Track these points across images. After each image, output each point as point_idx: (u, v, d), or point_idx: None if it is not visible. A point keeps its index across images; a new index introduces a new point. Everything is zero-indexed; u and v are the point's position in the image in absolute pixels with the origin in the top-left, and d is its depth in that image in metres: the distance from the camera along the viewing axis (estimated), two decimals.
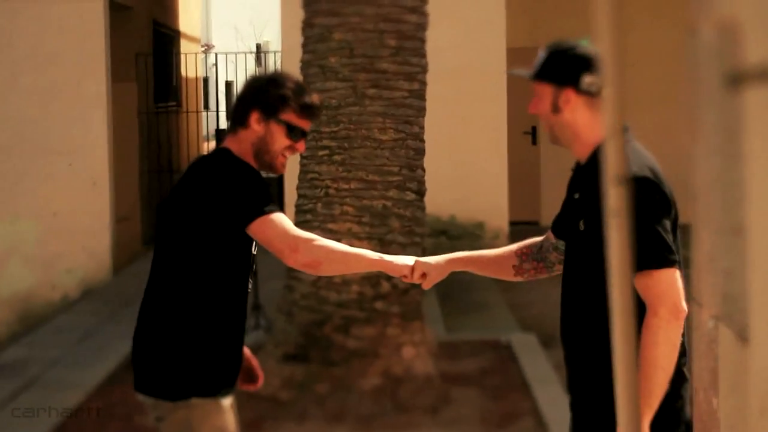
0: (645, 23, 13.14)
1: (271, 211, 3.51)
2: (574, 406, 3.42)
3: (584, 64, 3.24)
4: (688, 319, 2.75)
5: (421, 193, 7.27)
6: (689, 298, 2.19)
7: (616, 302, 1.84)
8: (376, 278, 7.00)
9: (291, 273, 7.23)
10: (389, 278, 6.98)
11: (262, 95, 3.67)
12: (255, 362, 4.04)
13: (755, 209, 1.81)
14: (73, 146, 11.08)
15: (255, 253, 3.72)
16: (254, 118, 3.66)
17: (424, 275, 3.60)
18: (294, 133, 3.67)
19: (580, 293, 3.31)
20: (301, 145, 3.73)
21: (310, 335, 7.14)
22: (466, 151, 11.69)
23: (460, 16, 11.49)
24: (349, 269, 4.07)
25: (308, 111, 3.70)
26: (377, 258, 3.63)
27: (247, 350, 3.97)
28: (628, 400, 1.83)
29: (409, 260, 3.63)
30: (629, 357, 1.83)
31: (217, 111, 17.90)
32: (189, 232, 3.61)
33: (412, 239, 7.15)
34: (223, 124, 20.93)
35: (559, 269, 3.64)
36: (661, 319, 3.03)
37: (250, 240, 3.62)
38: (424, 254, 7.45)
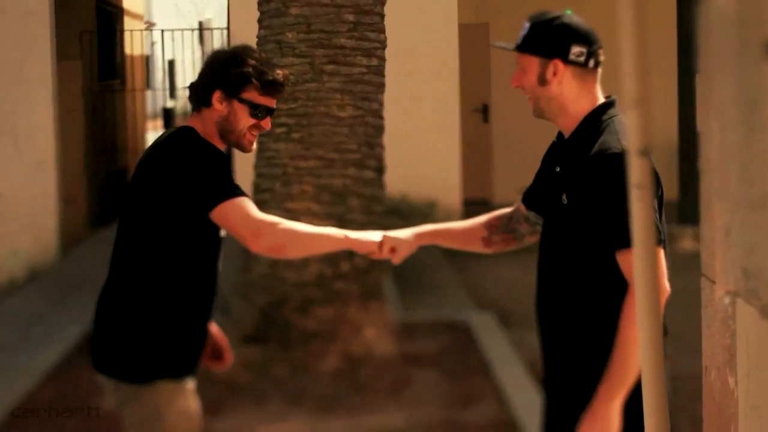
0: None
1: (234, 196, 3.42)
2: (548, 382, 3.36)
3: (571, 34, 3.18)
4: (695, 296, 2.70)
5: (380, 170, 7.19)
6: (698, 274, 2.11)
7: (638, 276, 1.78)
8: (335, 258, 6.91)
9: (248, 253, 7.11)
10: (349, 258, 6.90)
11: (223, 74, 3.57)
12: (224, 341, 3.96)
13: None
14: (18, 126, 10.86)
15: (224, 235, 3.62)
16: (216, 97, 3.57)
17: (393, 250, 3.55)
18: (258, 111, 3.58)
19: (561, 266, 3.25)
20: (266, 123, 3.64)
21: (269, 316, 7.05)
22: (418, 129, 11.62)
23: None
24: (314, 250, 3.98)
25: (271, 88, 3.60)
26: (342, 237, 3.57)
27: (215, 328, 3.89)
28: (652, 376, 1.77)
29: (375, 236, 3.58)
30: (655, 337, 1.76)
31: (168, 89, 17.67)
32: (154, 213, 3.52)
33: (371, 218, 7.06)
34: (167, 102, 20.69)
35: (529, 240, 3.59)
36: None
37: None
38: None
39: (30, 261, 10.83)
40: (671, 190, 11.62)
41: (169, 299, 3.56)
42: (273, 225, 3.45)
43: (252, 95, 3.56)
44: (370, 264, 7.05)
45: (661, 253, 3.00)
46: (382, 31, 7.13)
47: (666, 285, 2.99)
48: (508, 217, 3.58)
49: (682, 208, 11.39)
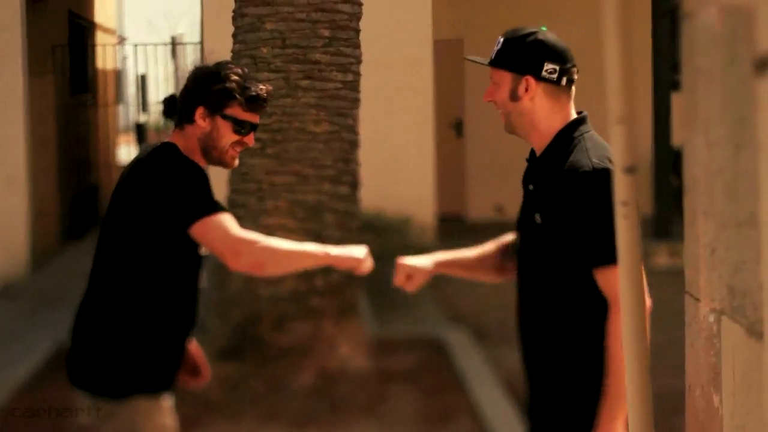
0: (570, 13, 13.18)
1: (213, 212, 3.39)
2: (532, 404, 3.34)
3: (544, 51, 3.18)
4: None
5: (354, 186, 7.17)
6: (674, 290, 2.10)
7: (624, 292, 1.77)
8: (310, 274, 6.87)
9: (223, 269, 7.07)
10: (324, 274, 6.86)
11: (205, 90, 3.55)
12: (201, 357, 3.93)
13: None
14: None
15: (205, 253, 3.58)
16: (199, 113, 3.55)
17: (409, 277, 3.51)
18: (242, 127, 3.56)
19: (538, 288, 3.24)
20: (250, 139, 3.62)
21: (244, 332, 7.00)
22: (392, 144, 11.61)
23: (386, 7, 11.39)
24: (294, 267, 3.94)
25: (255, 104, 3.58)
26: (323, 253, 3.56)
27: (193, 344, 3.85)
28: (639, 397, 1.76)
29: (357, 251, 3.54)
30: (640, 351, 1.75)
31: (140, 104, 17.59)
32: (134, 229, 3.50)
33: (346, 234, 7.03)
34: (137, 117, 20.60)
35: None
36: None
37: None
38: None
39: (2, 275, 10.74)
40: (646, 206, 11.67)
41: (149, 315, 3.54)
42: (253, 243, 3.42)
43: (235, 111, 3.54)
44: (345, 280, 7.02)
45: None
46: (358, 46, 7.11)
47: (648, 301, 2.99)
48: (512, 244, 3.54)
49: (657, 224, 11.43)
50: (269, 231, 6.23)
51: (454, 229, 12.55)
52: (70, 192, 13.00)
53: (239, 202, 6.99)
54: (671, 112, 11.51)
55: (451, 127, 13.86)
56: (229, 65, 3.67)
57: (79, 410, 3.65)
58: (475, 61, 3.35)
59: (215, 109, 3.53)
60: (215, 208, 3.41)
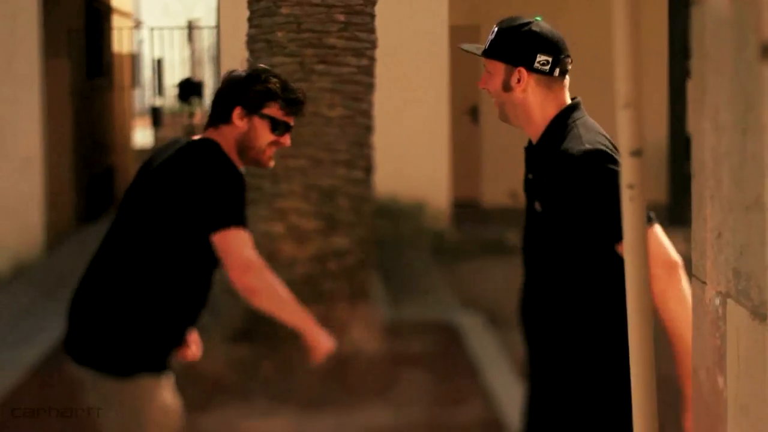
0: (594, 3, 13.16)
1: (236, 226, 3.45)
2: (533, 390, 3.37)
3: (537, 42, 3.18)
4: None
5: (369, 171, 7.19)
6: (689, 275, 2.13)
7: (630, 272, 1.79)
8: (323, 257, 6.91)
9: None
10: (337, 257, 6.89)
11: (244, 91, 3.62)
12: (194, 336, 3.97)
13: None
14: (4, 123, 10.82)
15: None
16: (237, 114, 3.61)
17: None
18: (278, 127, 3.60)
19: (540, 275, 3.27)
20: (286, 139, 3.69)
21: (256, 315, 7.01)
22: (407, 130, 11.62)
23: None
24: (278, 313, 3.94)
25: (293, 106, 3.65)
26: (307, 320, 3.69)
27: None
28: (643, 375, 1.78)
29: (328, 340, 3.71)
30: (645, 333, 1.77)
31: (156, 88, 17.62)
32: (159, 216, 3.55)
33: (360, 218, 7.06)
34: (154, 101, 20.65)
35: None
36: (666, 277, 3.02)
37: None
38: (371, 233, 7.39)
39: (16, 257, 10.80)
40: (661, 193, 11.65)
41: (160, 296, 3.58)
42: (262, 270, 3.48)
43: (273, 111, 3.61)
44: (357, 264, 7.05)
45: (657, 228, 3.03)
46: (373, 31, 7.13)
47: (675, 257, 3.04)
48: None
49: (673, 211, 11.41)
50: (283, 214, 6.29)
51: (468, 214, 12.57)
52: (86, 175, 13.05)
53: (254, 185, 7.02)
54: (686, 99, 11.49)
55: (467, 113, 13.85)
56: (267, 69, 3.79)
57: (86, 390, 3.69)
58: (469, 51, 3.36)
59: (254, 109, 3.59)
60: (242, 222, 3.47)
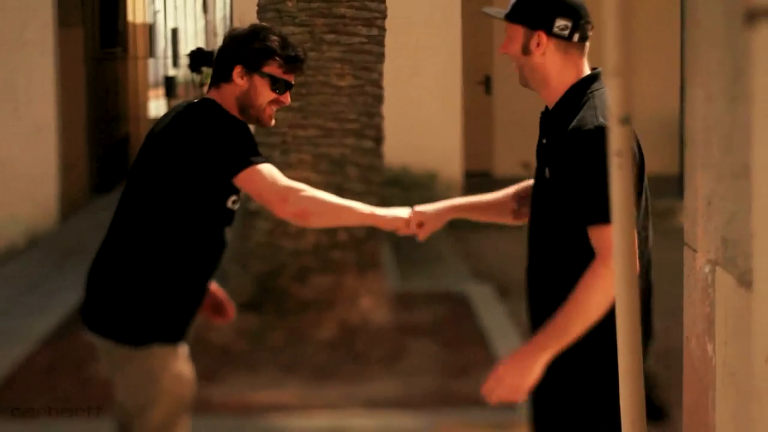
0: None
1: (260, 162, 3.47)
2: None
3: (557, 7, 3.19)
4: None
5: (378, 140, 7.19)
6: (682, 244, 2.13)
7: (617, 243, 1.79)
8: (332, 227, 6.91)
9: (246, 222, 7.12)
10: (346, 228, 6.90)
11: (244, 49, 3.62)
12: (223, 295, 4.00)
13: (761, 151, 1.75)
14: (18, 93, 10.85)
15: (235, 209, 3.63)
16: (237, 72, 3.61)
17: (420, 224, 3.54)
18: (278, 85, 3.62)
19: (545, 239, 3.27)
20: (286, 98, 3.69)
21: (265, 285, 7.06)
22: (420, 100, 11.60)
23: None
24: (338, 222, 4.01)
25: (293, 63, 3.66)
26: (368, 212, 3.58)
27: (214, 285, 3.91)
28: (630, 346, 1.78)
29: (402, 212, 3.55)
30: (631, 302, 1.77)
31: (171, 58, 17.61)
32: (168, 179, 3.55)
33: (370, 188, 7.07)
34: (170, 71, 20.65)
35: None
36: (608, 270, 2.93)
37: (229, 194, 3.54)
38: (381, 203, 7.38)
39: (30, 227, 10.85)
40: (672, 165, 11.61)
41: (173, 265, 3.59)
42: (300, 191, 3.48)
43: (273, 69, 3.61)
44: (367, 233, 7.06)
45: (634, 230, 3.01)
46: (383, 1, 7.11)
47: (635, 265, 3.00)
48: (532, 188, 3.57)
49: (682, 183, 11.34)
50: None
51: (481, 184, 12.54)
52: (100, 145, 13.08)
53: (263, 155, 7.01)
54: None
55: (480, 84, 13.82)
56: (267, 27, 3.78)
57: (94, 359, 3.72)
58: (490, 15, 3.38)
59: (254, 67, 3.59)
60: (261, 158, 3.48)
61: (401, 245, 9.50)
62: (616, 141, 1.77)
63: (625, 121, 1.75)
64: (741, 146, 1.82)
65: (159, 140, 3.61)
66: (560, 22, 3.18)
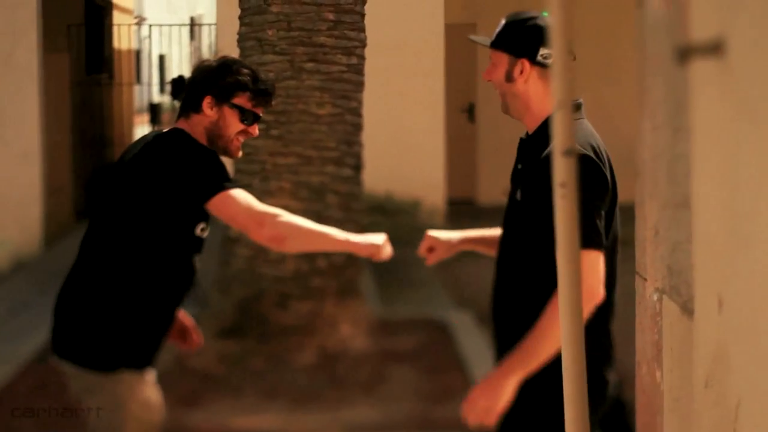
0: (586, 1, 13.19)
1: (232, 187, 3.49)
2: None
3: (541, 36, 3.26)
4: (633, 295, 2.75)
5: (358, 168, 7.24)
6: (633, 272, 2.18)
7: (562, 273, 1.83)
8: (312, 254, 6.96)
9: (226, 248, 7.17)
10: (326, 255, 6.95)
11: (215, 80, 3.67)
12: (191, 323, 4.03)
13: (700, 182, 1.81)
14: (3, 117, 10.87)
15: (204, 236, 3.67)
16: (207, 102, 3.65)
17: (431, 249, 3.58)
18: (247, 116, 3.66)
19: (514, 264, 3.31)
20: (254, 129, 3.72)
21: (246, 310, 7.10)
22: (404, 127, 11.67)
23: None
24: (314, 247, 4.04)
25: (262, 96, 3.70)
26: (343, 238, 3.62)
27: (182, 313, 3.94)
28: (575, 372, 1.83)
29: (376, 239, 3.60)
30: (576, 329, 1.82)
31: (159, 84, 17.65)
32: (138, 206, 3.58)
33: (349, 215, 7.12)
34: (156, 97, 20.71)
35: None
36: None
37: (198, 221, 3.58)
38: (361, 231, 7.43)
39: (15, 251, 10.86)
40: None
41: (142, 292, 3.61)
42: (275, 216, 3.51)
43: (242, 101, 3.65)
44: (346, 261, 7.11)
45: (600, 257, 3.04)
46: (362, 30, 7.18)
47: (600, 290, 3.03)
48: None
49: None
50: None
51: (464, 212, 12.61)
52: (85, 170, 13.11)
53: (243, 182, 7.06)
54: None
55: (464, 111, 13.90)
56: (237, 60, 3.83)
57: (69, 384, 3.74)
58: (476, 42, 3.46)
59: (223, 98, 3.64)
60: (234, 183, 3.52)
61: (383, 272, 9.54)
62: (561, 172, 1.82)
63: (569, 152, 1.81)
64: (682, 177, 1.88)
65: (128, 168, 3.65)
66: (544, 51, 3.26)
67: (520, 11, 3.38)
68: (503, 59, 3.31)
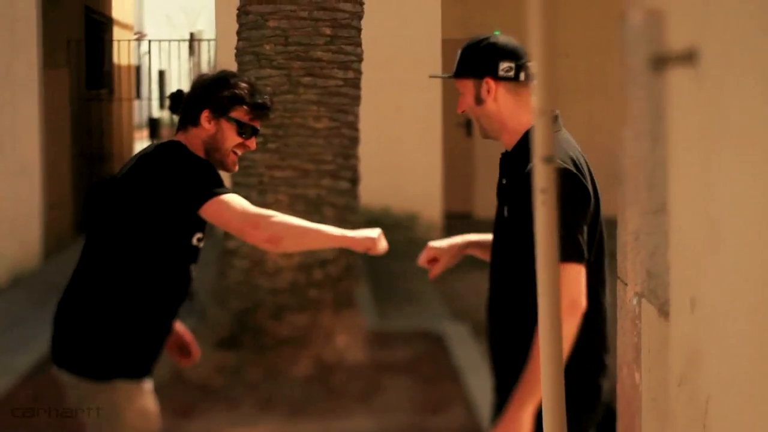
0: (576, 14, 13.27)
1: (225, 192, 3.53)
2: (498, 392, 3.45)
3: (497, 52, 3.31)
4: (615, 299, 2.80)
5: (354, 181, 7.30)
6: (615, 278, 2.24)
7: (542, 280, 1.89)
8: (308, 266, 7.02)
9: (223, 260, 7.22)
10: (322, 266, 7.00)
11: (212, 94, 3.71)
12: (189, 337, 4.07)
13: (676, 188, 1.87)
14: (3, 132, 10.92)
15: (200, 246, 3.72)
16: (205, 116, 3.69)
17: (434, 260, 3.61)
18: (245, 130, 3.70)
19: (505, 280, 3.34)
20: (251, 143, 3.76)
21: (243, 322, 7.15)
22: (401, 142, 11.74)
23: (394, 5, 11.53)
24: (309, 245, 4.04)
25: (260, 110, 3.74)
26: (338, 234, 3.63)
27: (180, 326, 3.99)
28: (552, 378, 1.88)
29: (371, 232, 3.61)
30: (555, 336, 1.88)
31: (159, 99, 17.71)
32: (134, 216, 3.62)
33: (345, 228, 7.16)
34: (156, 112, 20.78)
35: None
36: (568, 309, 3.03)
37: (194, 231, 3.63)
38: None
39: (13, 266, 10.89)
40: None
41: (139, 302, 3.65)
42: (269, 217, 3.53)
43: (240, 115, 3.69)
44: (343, 273, 7.16)
45: (581, 270, 3.07)
46: (359, 44, 7.25)
47: (582, 302, 3.07)
48: None
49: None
50: None
51: (461, 226, 12.65)
52: (85, 184, 13.16)
53: (240, 195, 7.12)
54: None
55: (461, 126, 13.97)
56: (235, 73, 3.87)
57: (67, 393, 3.78)
58: (439, 77, 3.51)
59: (221, 112, 3.68)
60: (226, 189, 3.55)
61: (379, 284, 9.59)
62: (541, 179, 1.88)
63: (549, 159, 1.86)
64: (660, 184, 1.94)
65: (125, 179, 3.70)
66: (504, 65, 3.29)
67: (472, 37, 3.41)
68: (468, 85, 3.34)
